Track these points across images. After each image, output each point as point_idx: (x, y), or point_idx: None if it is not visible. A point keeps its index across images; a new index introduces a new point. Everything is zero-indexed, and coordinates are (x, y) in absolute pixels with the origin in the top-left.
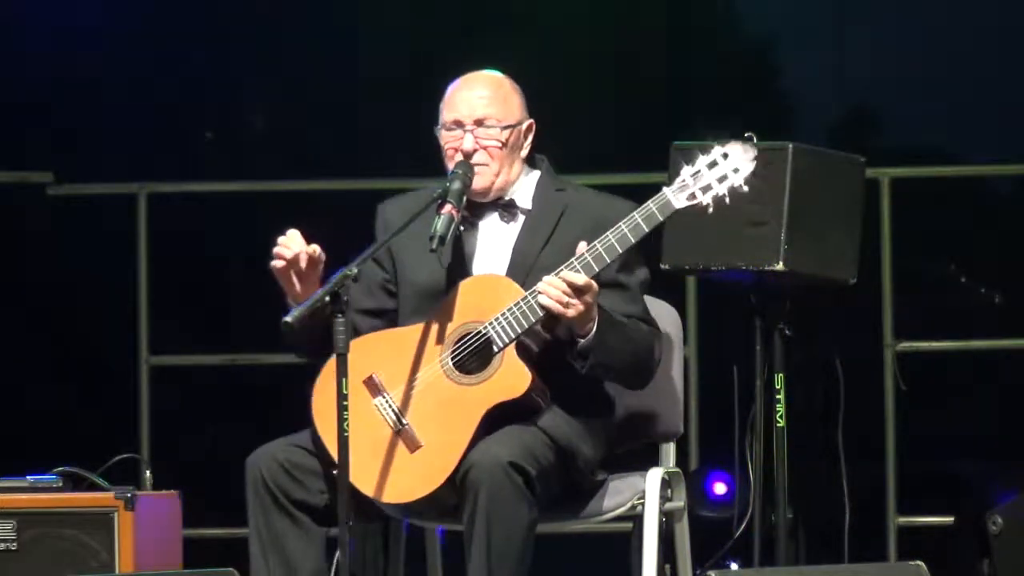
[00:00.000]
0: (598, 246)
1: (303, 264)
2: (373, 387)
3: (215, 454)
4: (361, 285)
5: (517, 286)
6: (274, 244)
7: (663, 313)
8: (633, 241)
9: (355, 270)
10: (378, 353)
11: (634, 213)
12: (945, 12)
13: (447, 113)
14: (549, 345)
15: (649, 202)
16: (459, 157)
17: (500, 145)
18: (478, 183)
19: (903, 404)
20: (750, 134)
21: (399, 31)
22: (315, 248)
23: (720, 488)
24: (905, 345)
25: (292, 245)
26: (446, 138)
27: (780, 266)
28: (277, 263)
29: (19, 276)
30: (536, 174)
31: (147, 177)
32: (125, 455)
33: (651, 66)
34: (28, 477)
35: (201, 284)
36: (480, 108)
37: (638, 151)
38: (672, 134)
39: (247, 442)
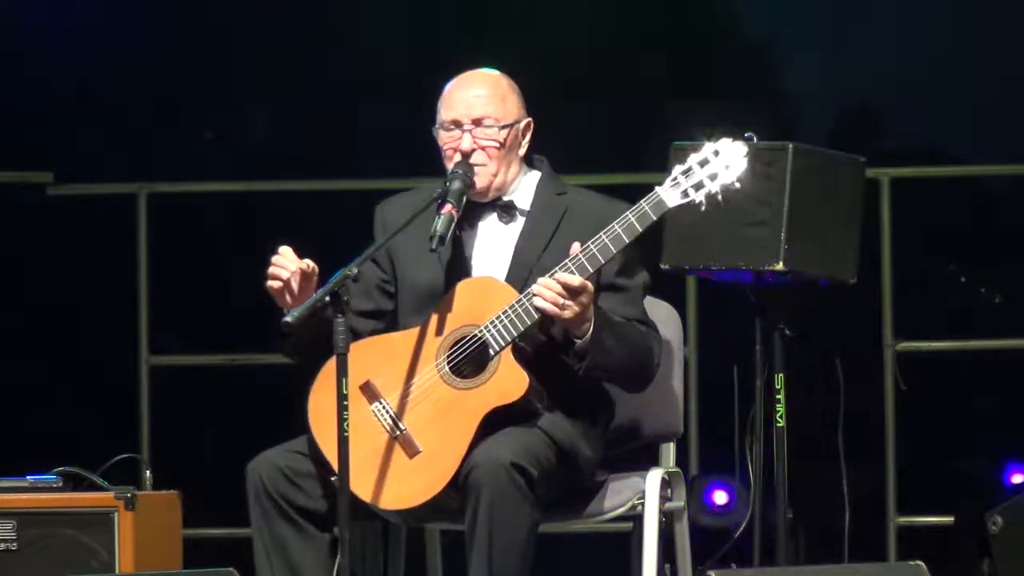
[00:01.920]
0: (592, 247)
1: (296, 282)
2: (369, 393)
3: (215, 454)
4: (359, 286)
5: (512, 289)
6: (274, 246)
7: (663, 313)
8: (627, 241)
9: (355, 270)
10: (373, 359)
11: (627, 213)
12: (944, 12)
13: (445, 112)
14: (546, 348)
15: (642, 201)
16: (458, 157)
17: (498, 145)
18: (478, 182)
19: (903, 404)
20: (750, 134)
21: (399, 31)
22: (308, 263)
23: (721, 497)
24: (905, 345)
25: (287, 265)
26: (444, 138)
27: (780, 266)
28: (273, 283)
29: (19, 276)
30: (535, 175)
31: (147, 177)
32: (125, 455)
33: (651, 66)
34: (28, 477)
35: (201, 284)
36: (478, 107)
37: (638, 151)
38: (672, 134)
39: (247, 442)
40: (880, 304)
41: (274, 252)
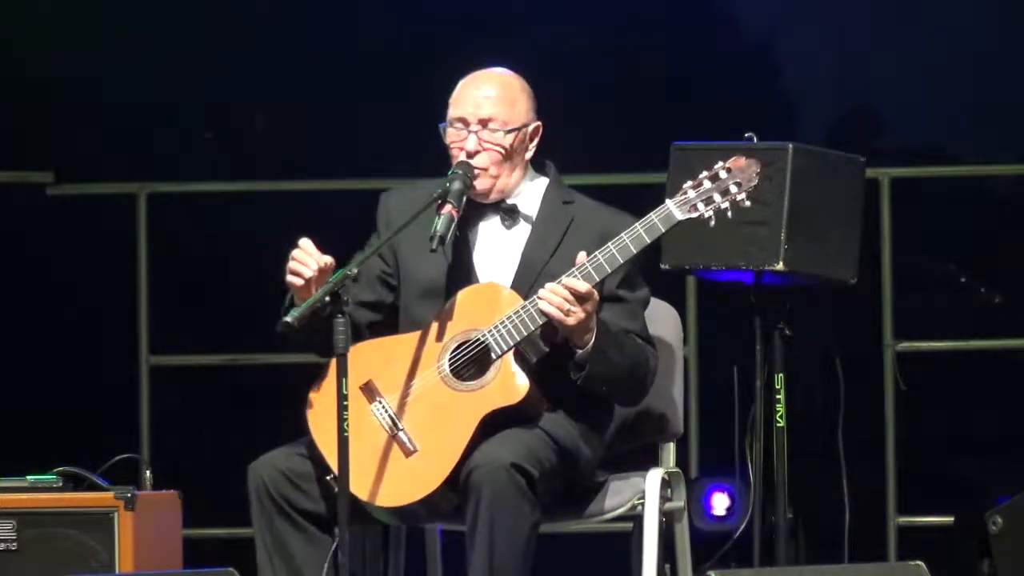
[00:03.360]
0: (599, 256)
1: (315, 279)
2: (369, 393)
3: (215, 454)
4: (360, 277)
5: (516, 295)
6: (273, 246)
7: (663, 313)
8: (634, 251)
9: (355, 270)
10: (375, 359)
11: (636, 224)
12: (945, 12)
13: (453, 110)
14: (548, 354)
15: (651, 213)
16: (462, 157)
17: (503, 149)
18: (479, 185)
19: (903, 404)
20: (750, 134)
21: (399, 31)
22: (327, 260)
23: (720, 503)
24: (905, 345)
25: (310, 263)
26: (451, 136)
27: (780, 266)
28: (295, 280)
29: (19, 276)
30: (542, 181)
31: (147, 177)
32: (125, 455)
33: (651, 66)
34: (28, 477)
35: (201, 284)
36: (486, 108)
37: (638, 151)
38: (672, 134)
39: (247, 442)
40: (880, 304)
41: (275, 251)
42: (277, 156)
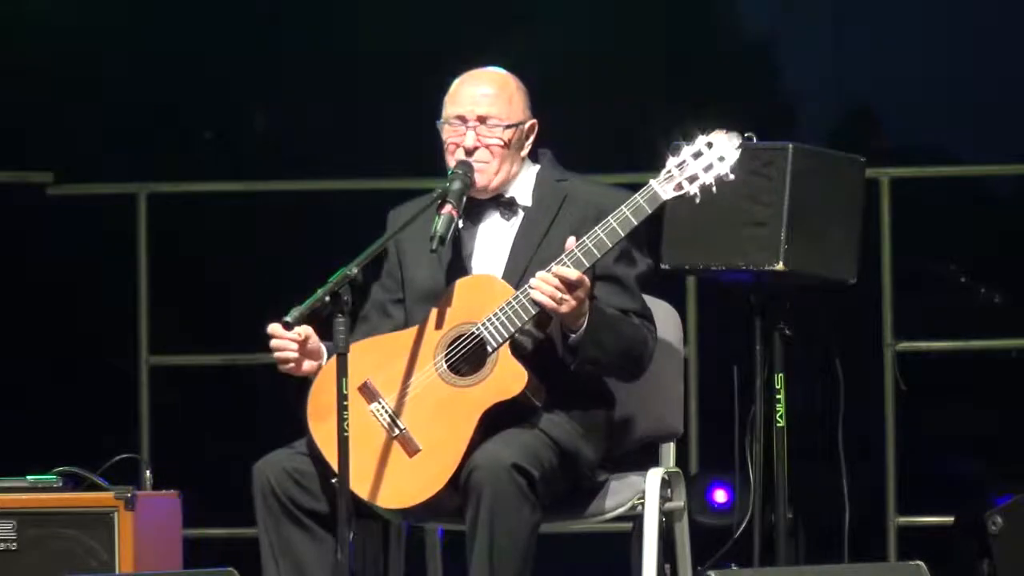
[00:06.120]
0: (587, 242)
1: (302, 352)
2: (368, 393)
3: (215, 454)
4: (377, 312)
5: (508, 286)
6: (273, 243)
7: (663, 313)
8: (622, 235)
9: (355, 270)
10: (371, 359)
11: (622, 207)
12: (945, 12)
13: (450, 107)
14: (543, 343)
15: (636, 195)
16: (460, 153)
17: (502, 144)
18: (477, 180)
19: (903, 404)
20: (750, 134)
21: (399, 30)
22: (301, 332)
23: (720, 496)
24: (905, 345)
25: (289, 345)
26: (448, 133)
27: (780, 266)
28: (286, 367)
29: (19, 276)
30: (535, 168)
31: (147, 177)
32: (125, 455)
33: (651, 66)
34: (28, 477)
35: (201, 284)
36: (484, 105)
37: (638, 151)
38: (672, 134)
39: (247, 442)
40: (880, 304)
41: (272, 258)
42: (277, 156)
